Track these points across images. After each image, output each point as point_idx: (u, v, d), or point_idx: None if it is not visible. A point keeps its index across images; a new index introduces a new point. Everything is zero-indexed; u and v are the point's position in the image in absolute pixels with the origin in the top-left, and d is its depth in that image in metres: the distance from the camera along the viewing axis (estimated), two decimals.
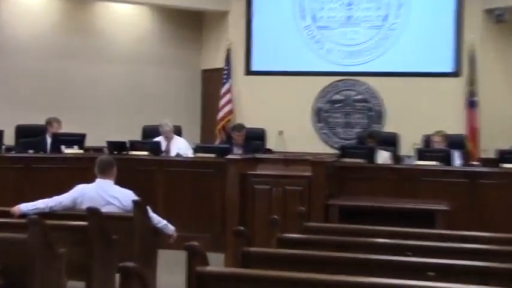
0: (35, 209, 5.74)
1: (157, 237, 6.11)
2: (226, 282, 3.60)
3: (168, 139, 9.40)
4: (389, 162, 8.76)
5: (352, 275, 3.52)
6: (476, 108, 10.34)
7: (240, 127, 9.66)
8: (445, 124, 9.71)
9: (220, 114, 11.29)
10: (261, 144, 9.97)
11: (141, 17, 11.87)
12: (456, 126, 10.11)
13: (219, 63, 11.64)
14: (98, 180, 6.01)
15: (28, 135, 9.29)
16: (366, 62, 11.12)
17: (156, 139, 9.36)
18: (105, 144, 8.96)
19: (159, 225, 6.01)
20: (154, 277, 5.99)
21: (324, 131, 11.25)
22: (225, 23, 11.74)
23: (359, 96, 11.12)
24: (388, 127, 10.76)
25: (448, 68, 10.76)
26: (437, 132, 8.99)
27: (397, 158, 9.27)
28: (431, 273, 3.81)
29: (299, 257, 4.18)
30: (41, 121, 9.27)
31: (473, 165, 8.64)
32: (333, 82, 11.21)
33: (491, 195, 7.64)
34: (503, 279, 3.76)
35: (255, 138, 9.93)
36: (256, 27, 11.54)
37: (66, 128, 9.26)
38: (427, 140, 9.31)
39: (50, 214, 5.65)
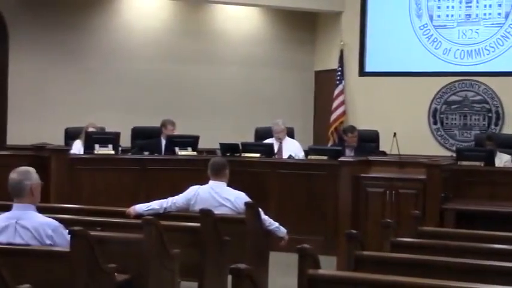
0: (150, 209, 5.85)
1: (269, 240, 6.11)
2: (338, 286, 3.57)
3: (280, 140, 9.40)
4: (509, 166, 8.46)
5: (468, 281, 3.42)
6: None
7: (351, 129, 9.55)
8: None
9: (333, 116, 11.21)
10: (374, 146, 9.83)
11: (253, 18, 11.95)
12: None
13: (332, 65, 11.56)
14: (211, 182, 6.05)
15: (143, 137, 9.53)
16: (485, 62, 10.80)
17: (268, 141, 9.39)
18: (218, 146, 9.07)
19: (271, 227, 6.01)
20: (266, 279, 6.00)
21: (440, 132, 10.99)
22: (339, 24, 11.64)
23: (477, 97, 10.80)
24: (508, 129, 10.39)
25: None
26: None
27: None
28: None
29: (413, 261, 4.09)
30: (156, 123, 9.47)
31: None
32: (450, 83, 10.94)
33: None
34: None
35: (369, 140, 9.80)
36: (370, 27, 11.39)
37: (180, 130, 9.40)
38: None
39: (164, 215, 5.75)
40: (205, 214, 5.44)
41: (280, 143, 9.41)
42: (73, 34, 10.86)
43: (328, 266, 4.41)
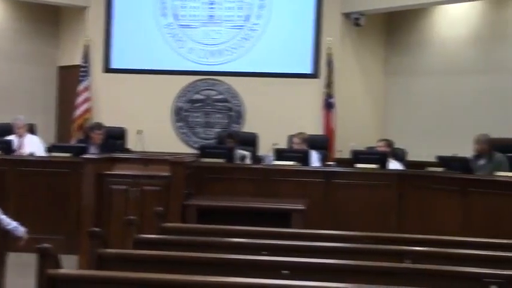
0: None
1: (7, 240, 5.84)
2: (79, 285, 3.50)
3: (21, 136, 9.08)
4: (248, 162, 8.82)
5: (209, 274, 3.50)
6: (333, 110, 10.58)
7: (98, 126, 9.43)
8: (304, 125, 9.92)
9: (77, 112, 11.00)
10: (120, 144, 9.79)
11: None
12: (315, 127, 10.32)
13: (77, 60, 11.33)
14: None
15: None
16: (227, 62, 11.16)
17: (8, 137, 9.01)
18: None
19: (9, 227, 5.75)
20: (3, 280, 5.73)
21: (184, 130, 11.19)
22: (84, 19, 11.44)
23: (219, 96, 11.14)
24: (248, 127, 10.84)
25: (307, 69, 10.97)
26: (297, 134, 9.12)
27: (256, 158, 9.35)
28: (286, 272, 3.84)
29: (155, 257, 4.12)
30: None
31: (329, 166, 8.83)
32: (194, 81, 11.17)
33: (345, 195, 7.86)
34: (355, 276, 3.83)
35: (115, 138, 9.75)
36: (116, 23, 11.33)
37: None
38: (290, 140, 9.43)
39: None
40: None
41: (21, 139, 9.09)
42: None
43: (70, 266, 4.30)
